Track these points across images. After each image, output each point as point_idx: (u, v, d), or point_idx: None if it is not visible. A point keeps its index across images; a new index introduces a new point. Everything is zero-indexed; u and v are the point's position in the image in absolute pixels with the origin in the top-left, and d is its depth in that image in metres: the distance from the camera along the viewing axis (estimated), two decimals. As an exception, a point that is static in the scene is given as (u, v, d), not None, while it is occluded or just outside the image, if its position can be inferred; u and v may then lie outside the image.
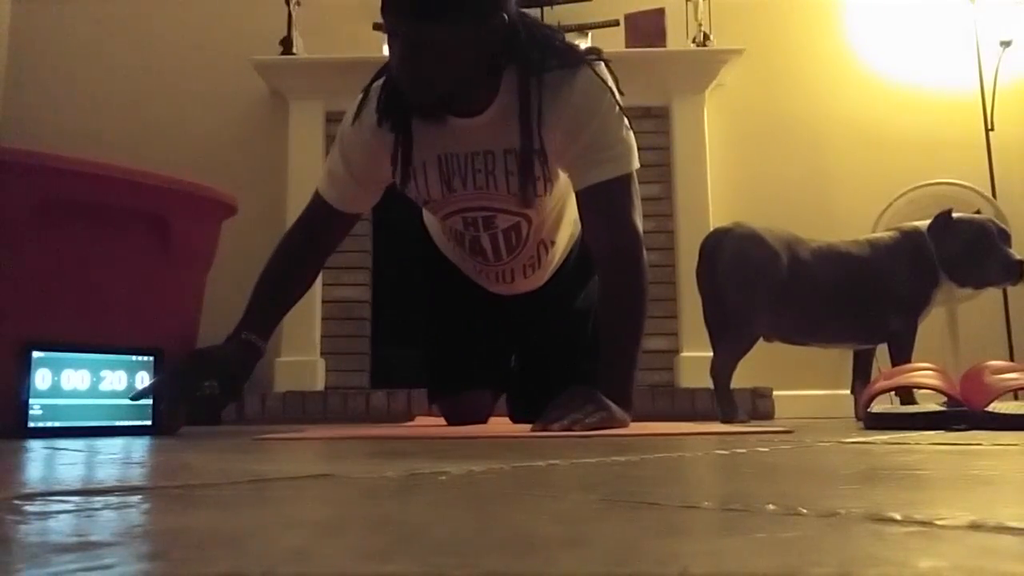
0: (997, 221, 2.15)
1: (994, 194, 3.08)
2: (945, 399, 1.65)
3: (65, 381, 1.35)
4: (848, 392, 2.22)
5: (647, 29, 3.18)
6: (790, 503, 0.43)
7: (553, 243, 1.64)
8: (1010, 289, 2.81)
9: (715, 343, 2.05)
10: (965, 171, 3.11)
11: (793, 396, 2.96)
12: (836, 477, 0.60)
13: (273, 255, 1.54)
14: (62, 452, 0.94)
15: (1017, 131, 3.23)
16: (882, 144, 3.24)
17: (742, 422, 1.91)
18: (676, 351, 3.03)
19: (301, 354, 3.02)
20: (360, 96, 1.48)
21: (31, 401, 1.31)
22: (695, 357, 2.87)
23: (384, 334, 3.16)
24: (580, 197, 1.44)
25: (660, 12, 3.19)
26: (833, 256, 2.07)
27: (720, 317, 2.03)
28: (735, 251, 2.00)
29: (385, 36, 1.42)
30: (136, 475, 0.68)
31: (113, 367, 1.41)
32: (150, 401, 1.43)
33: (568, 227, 1.66)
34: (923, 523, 0.36)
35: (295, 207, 1.60)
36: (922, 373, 1.76)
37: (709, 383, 2.02)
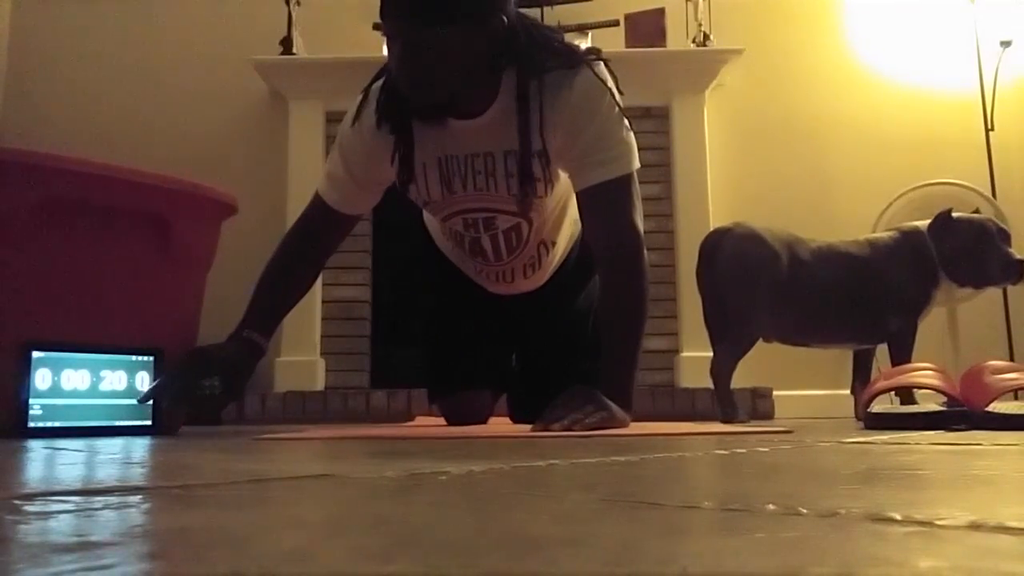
0: (997, 221, 2.15)
1: (994, 194, 3.09)
2: (945, 399, 1.65)
3: (65, 381, 1.35)
4: (848, 392, 2.22)
5: (647, 29, 3.18)
6: (790, 503, 0.43)
7: (554, 243, 1.64)
8: (1010, 289, 2.81)
9: (715, 343, 2.05)
10: (965, 171, 3.11)
11: (793, 396, 2.96)
12: (836, 477, 0.60)
13: (274, 255, 1.54)
14: (62, 452, 0.94)
15: (1017, 131, 3.23)
16: (882, 144, 3.24)
17: (742, 422, 1.91)
18: (676, 351, 3.03)
19: (301, 354, 3.02)
20: (360, 97, 1.48)
21: (31, 401, 1.31)
22: (695, 357, 2.87)
23: (384, 334, 3.16)
24: (581, 197, 1.44)
25: (660, 12, 3.19)
26: (833, 256, 2.07)
27: (720, 317, 2.03)
28: (735, 251, 2.00)
29: (385, 37, 1.42)
30: (136, 475, 0.68)
31: (113, 367, 1.41)
32: (151, 401, 1.43)
33: (569, 227, 1.66)
34: (923, 523, 0.36)
35: (295, 207, 1.60)
36: (922, 373, 1.76)
37: (709, 383, 2.02)
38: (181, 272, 1.59)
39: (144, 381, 1.44)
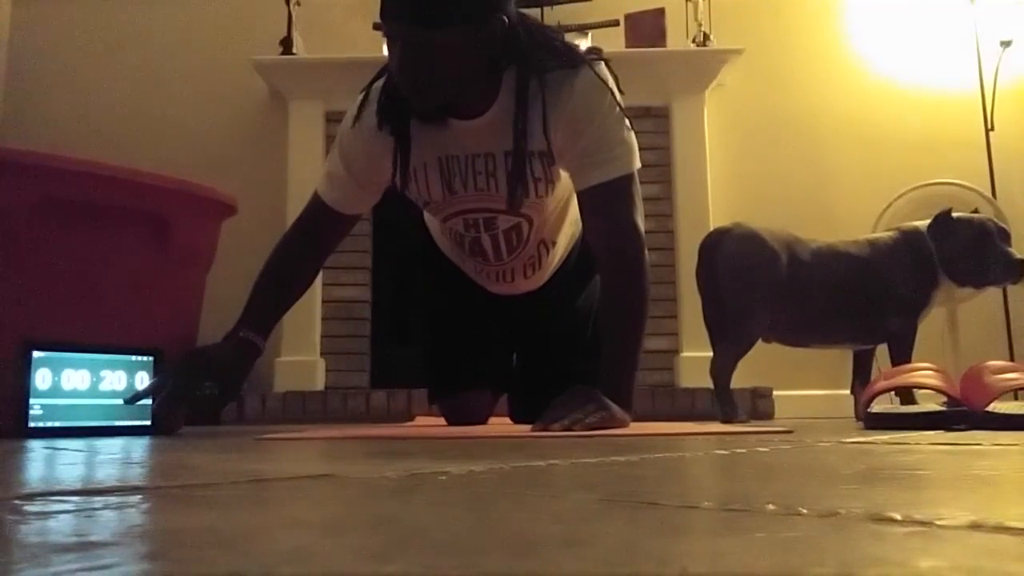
0: (997, 221, 2.14)
1: (994, 194, 3.09)
2: (945, 399, 1.65)
3: (65, 381, 1.35)
4: (848, 392, 2.22)
5: (647, 29, 3.18)
6: (790, 503, 0.43)
7: (554, 243, 1.64)
8: (1010, 289, 2.81)
9: (715, 343, 2.05)
10: (965, 171, 3.11)
11: (793, 396, 2.96)
12: (836, 477, 0.60)
13: (272, 255, 1.54)
14: (62, 452, 0.94)
15: (1017, 131, 3.23)
16: (882, 144, 3.24)
17: (742, 422, 1.91)
18: (676, 351, 3.03)
19: (301, 354, 3.02)
20: (360, 97, 1.48)
21: (31, 401, 1.31)
22: (695, 357, 2.87)
23: (384, 334, 3.17)
24: (581, 198, 1.44)
25: (660, 12, 3.19)
26: (833, 256, 2.07)
27: (720, 317, 2.03)
28: (735, 251, 2.00)
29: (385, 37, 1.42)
30: (136, 475, 0.68)
31: (113, 367, 1.41)
32: (150, 401, 1.43)
33: (569, 227, 1.66)
34: (923, 523, 0.36)
35: (295, 207, 1.60)
36: (922, 373, 1.76)
37: (709, 383, 2.02)
38: (181, 272, 1.59)
39: (144, 381, 1.44)
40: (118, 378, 1.41)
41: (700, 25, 3.17)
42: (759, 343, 2.05)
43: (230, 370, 1.42)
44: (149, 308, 1.51)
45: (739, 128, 3.27)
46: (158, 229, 1.52)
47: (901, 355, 2.04)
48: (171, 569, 0.28)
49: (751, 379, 2.61)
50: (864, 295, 2.05)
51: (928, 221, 2.09)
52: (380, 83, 1.45)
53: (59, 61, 3.38)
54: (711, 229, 2.25)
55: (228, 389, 1.42)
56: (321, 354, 3.06)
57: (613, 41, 3.08)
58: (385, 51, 1.57)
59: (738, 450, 0.89)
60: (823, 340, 2.14)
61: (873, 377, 2.00)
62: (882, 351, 2.14)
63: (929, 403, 1.68)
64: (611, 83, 1.41)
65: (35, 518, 0.41)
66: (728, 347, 2.00)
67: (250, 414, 2.79)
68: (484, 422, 1.74)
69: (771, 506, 0.41)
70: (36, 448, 1.01)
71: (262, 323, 1.48)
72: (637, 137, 1.44)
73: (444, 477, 0.59)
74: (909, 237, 2.09)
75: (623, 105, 1.42)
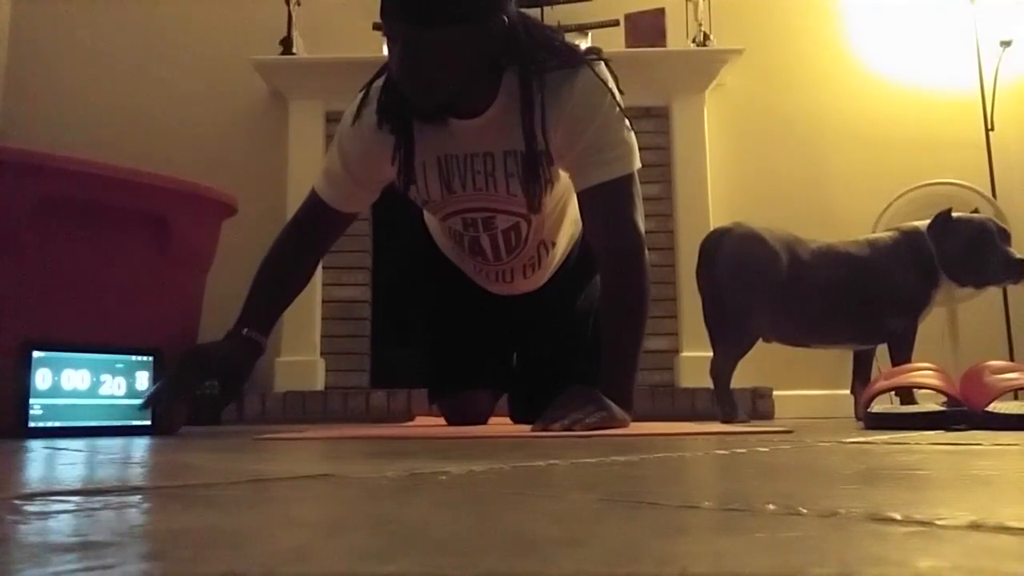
0: (997, 220, 2.14)
1: (994, 194, 3.08)
2: (945, 399, 1.65)
3: (65, 381, 1.35)
4: (848, 392, 2.22)
5: (647, 29, 3.18)
6: (790, 503, 0.43)
7: (553, 243, 1.64)
8: (1010, 289, 2.81)
9: (715, 343, 2.05)
10: (965, 171, 3.11)
11: (793, 396, 2.96)
12: (836, 477, 0.60)
13: (269, 253, 1.54)
14: (62, 452, 0.94)
15: (1017, 131, 3.23)
16: (882, 144, 3.24)
17: (742, 422, 1.91)
18: (676, 351, 3.03)
19: (301, 354, 3.02)
20: (360, 95, 1.48)
21: (31, 401, 1.31)
22: (695, 357, 2.87)
23: (384, 334, 3.16)
24: (581, 198, 1.44)
25: (660, 12, 3.19)
26: (833, 256, 2.07)
27: (720, 317, 2.03)
28: (735, 251, 2.00)
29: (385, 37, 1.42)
30: (136, 475, 0.68)
31: (113, 367, 1.41)
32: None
33: (569, 227, 1.66)
34: (923, 523, 0.36)
35: (295, 207, 1.60)
36: (922, 373, 1.76)
37: (709, 383, 2.02)
38: (181, 272, 1.59)
39: (144, 381, 1.44)
40: (118, 378, 1.41)
41: (700, 25, 3.17)
42: (759, 343, 2.05)
43: (232, 368, 1.42)
44: (149, 308, 1.51)
45: (739, 128, 3.27)
46: (158, 229, 1.52)
47: (901, 355, 2.04)
48: (171, 569, 0.28)
49: (751, 379, 2.61)
50: (864, 295, 2.05)
51: (928, 221, 2.09)
52: (380, 82, 1.45)
53: (59, 61, 3.38)
54: (711, 229, 2.25)
55: (230, 387, 1.42)
56: (321, 354, 3.06)
57: (613, 41, 3.08)
58: (385, 51, 1.57)
59: (738, 450, 0.89)
60: (823, 340, 2.14)
61: (873, 377, 2.00)
62: (882, 351, 2.14)
63: (929, 403, 1.68)
64: (611, 83, 1.41)
65: (35, 518, 0.41)
66: (728, 347, 2.00)
67: (250, 414, 2.79)
68: (484, 422, 1.74)
69: (771, 506, 0.41)
70: (36, 448, 1.01)
71: (263, 321, 1.48)
72: (637, 137, 1.44)
73: (444, 477, 0.59)
74: (909, 237, 2.09)
75: (623, 105, 1.42)
